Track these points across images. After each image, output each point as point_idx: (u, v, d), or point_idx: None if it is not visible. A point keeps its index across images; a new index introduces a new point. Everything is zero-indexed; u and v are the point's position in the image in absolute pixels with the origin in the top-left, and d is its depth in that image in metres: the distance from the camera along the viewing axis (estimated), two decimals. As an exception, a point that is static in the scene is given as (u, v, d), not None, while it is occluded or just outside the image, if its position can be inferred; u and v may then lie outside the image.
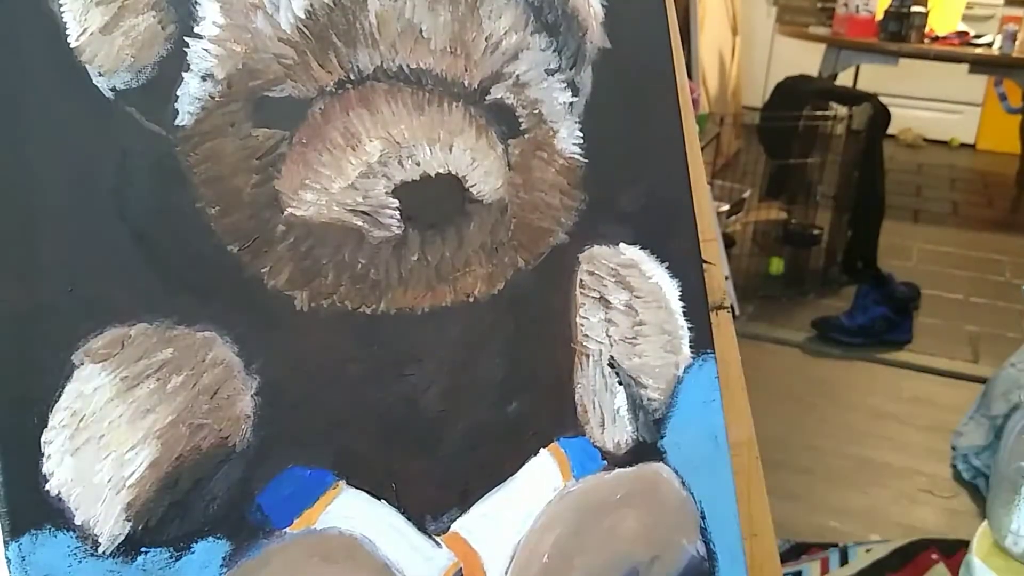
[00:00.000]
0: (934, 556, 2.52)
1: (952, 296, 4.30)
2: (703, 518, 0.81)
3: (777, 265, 4.27)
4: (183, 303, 0.63)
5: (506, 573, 0.73)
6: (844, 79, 4.87)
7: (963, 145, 6.37)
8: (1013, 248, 4.89)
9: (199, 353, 0.63)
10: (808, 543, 2.61)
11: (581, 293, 0.78)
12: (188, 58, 0.63)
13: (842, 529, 2.64)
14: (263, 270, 0.66)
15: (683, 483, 0.81)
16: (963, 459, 2.90)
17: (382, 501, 0.70)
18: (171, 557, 0.62)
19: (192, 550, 0.63)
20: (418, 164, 0.69)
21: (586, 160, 0.78)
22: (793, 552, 2.59)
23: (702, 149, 0.84)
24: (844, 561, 2.51)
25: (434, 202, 0.71)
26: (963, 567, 1.42)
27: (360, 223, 0.68)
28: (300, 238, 0.67)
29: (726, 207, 4.12)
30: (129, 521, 0.61)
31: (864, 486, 2.83)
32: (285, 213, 0.66)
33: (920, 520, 2.71)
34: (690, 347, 0.82)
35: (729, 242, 4.12)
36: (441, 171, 0.70)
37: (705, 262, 0.85)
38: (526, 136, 0.74)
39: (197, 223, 0.64)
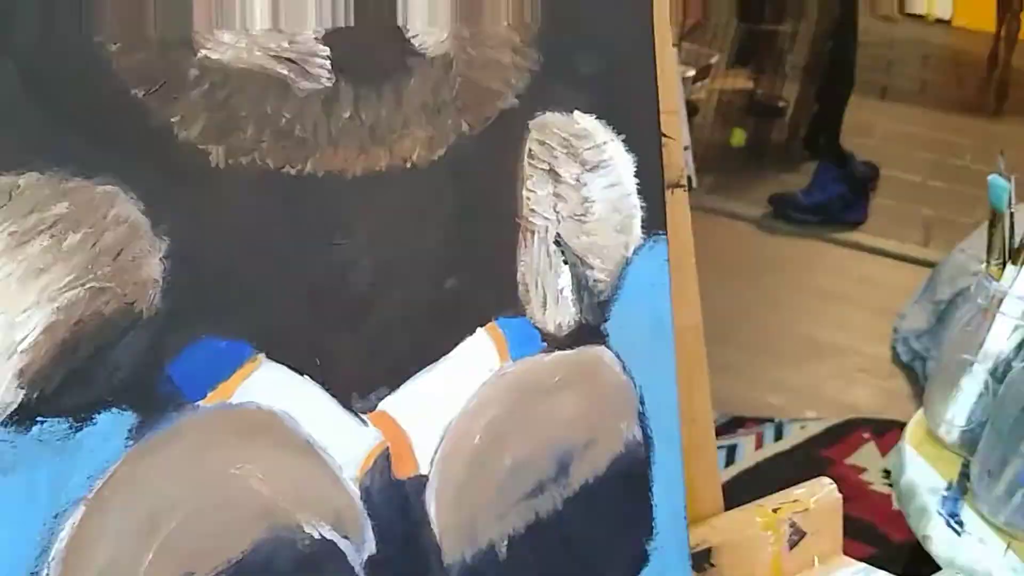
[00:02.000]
0: (865, 435, 2.56)
1: (910, 178, 4.30)
2: (642, 403, 0.78)
3: (739, 136, 4.24)
4: (80, 152, 0.57)
5: (435, 454, 0.70)
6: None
7: (939, 21, 6.28)
8: (977, 131, 4.88)
9: (99, 209, 0.57)
10: (745, 417, 2.64)
11: (529, 164, 0.72)
12: None
13: (779, 405, 2.67)
14: (173, 120, 0.59)
15: (624, 367, 0.77)
16: (903, 342, 2.92)
17: (305, 376, 0.65)
18: (71, 428, 0.57)
19: (94, 421, 0.58)
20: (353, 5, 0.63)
21: (542, 15, 0.72)
22: (729, 426, 2.62)
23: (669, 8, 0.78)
24: (779, 436, 2.55)
25: (370, 52, 0.65)
26: (894, 454, 1.42)
27: (285, 72, 0.62)
28: (216, 85, 0.60)
29: (692, 72, 4.06)
30: (22, 389, 0.56)
31: (804, 363, 2.85)
32: (199, 55, 0.60)
33: (855, 399, 2.74)
34: (642, 227, 0.77)
35: (692, 110, 4.07)
36: (378, 16, 0.64)
37: (664, 136, 0.80)
38: (476, -18, 0.68)
39: (95, 61, 0.57)
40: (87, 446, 0.58)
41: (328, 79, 0.64)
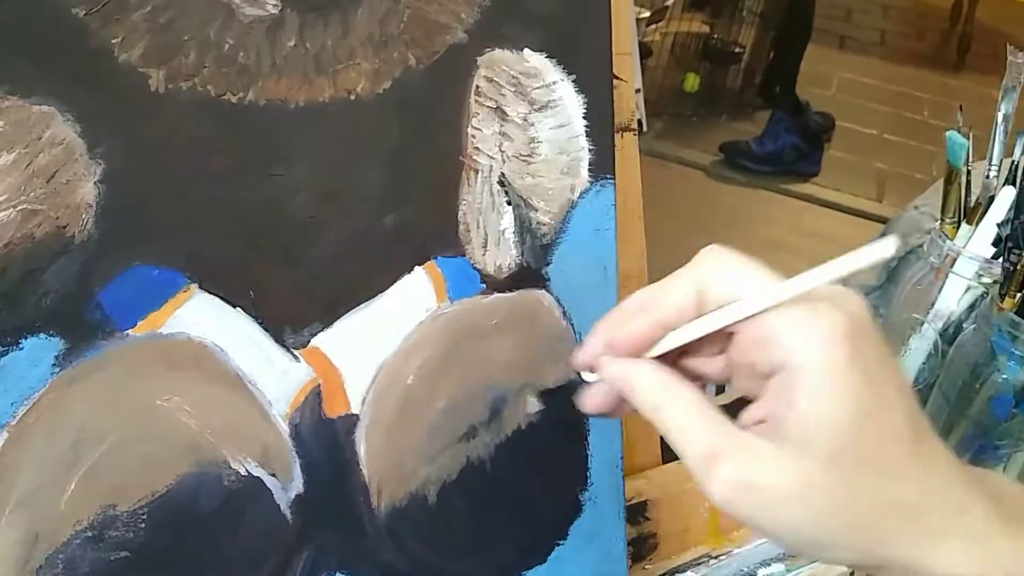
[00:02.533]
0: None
1: (866, 131, 4.30)
2: (582, 349, 0.78)
3: (692, 81, 4.22)
4: (16, 70, 0.55)
5: (367, 393, 0.69)
6: None
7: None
8: (935, 86, 4.89)
9: (34, 129, 0.56)
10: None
11: (476, 101, 0.71)
12: None
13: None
14: (114, 41, 0.58)
15: (564, 312, 0.76)
16: (853, 297, 2.94)
17: (238, 309, 0.64)
18: (-4, 352, 0.56)
19: (20, 346, 0.57)
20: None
21: (495, -49, 0.70)
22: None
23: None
24: (720, 390, 2.56)
25: (316, -20, 0.63)
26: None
27: (229, -3, 0.61)
28: (159, 7, 0.59)
29: (646, 14, 4.03)
30: (-56, 309, 0.55)
31: (752, 315, 2.86)
32: (141, -24, 0.58)
33: (803, 352, 2.76)
34: (589, 170, 0.76)
35: (645, 52, 4.05)
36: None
37: (616, 78, 0.79)
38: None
39: (34, -23, 0.55)
40: (12, 371, 0.57)
41: (274, 6, 0.62)
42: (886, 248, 0.47)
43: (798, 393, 0.46)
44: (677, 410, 0.49)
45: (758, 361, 0.49)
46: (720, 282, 0.49)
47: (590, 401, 0.54)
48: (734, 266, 0.50)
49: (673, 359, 0.53)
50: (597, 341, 0.52)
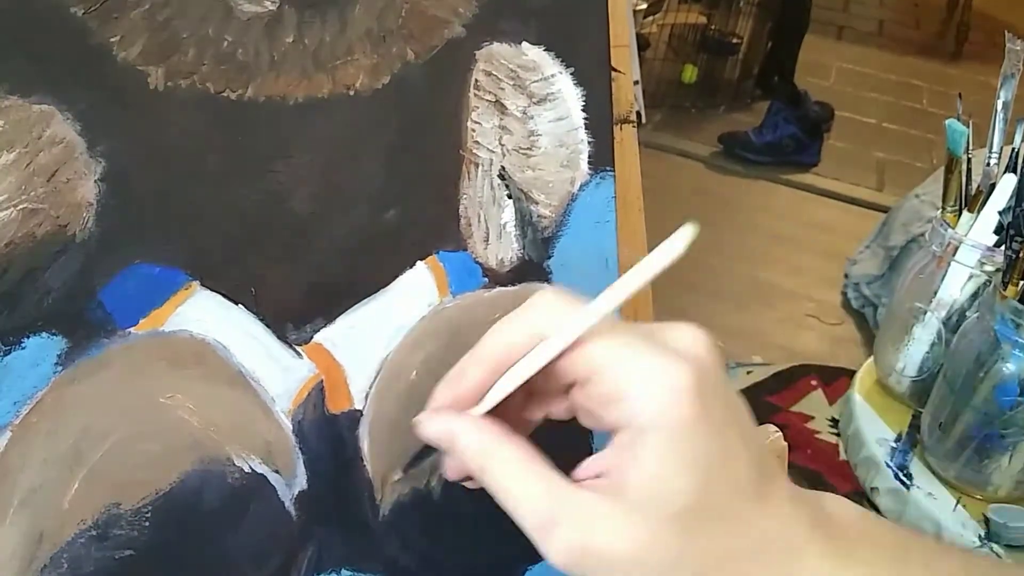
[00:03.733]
0: (813, 382, 2.57)
1: (865, 120, 4.30)
2: (585, 343, 0.77)
3: (690, 73, 4.22)
4: (16, 69, 0.55)
5: (370, 388, 0.69)
6: None
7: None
8: (933, 74, 4.89)
9: (35, 128, 0.56)
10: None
11: (475, 95, 0.71)
12: None
13: (725, 348, 2.67)
14: (112, 39, 0.58)
15: (568, 306, 0.76)
16: (854, 287, 2.93)
17: (239, 306, 0.64)
18: (-3, 351, 0.56)
19: (23, 345, 0.57)
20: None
21: (492, -56, 0.70)
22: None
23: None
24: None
25: (314, -23, 0.63)
26: (843, 403, 1.42)
27: (227, -6, 0.60)
28: (157, 5, 0.59)
29: (643, 6, 4.03)
30: (-53, 309, 0.55)
31: (752, 307, 2.86)
32: (139, -26, 0.58)
33: (803, 345, 2.76)
34: (588, 163, 0.76)
35: (643, 44, 4.05)
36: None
37: (614, 70, 0.79)
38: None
39: (32, -23, 0.55)
40: (15, 371, 0.57)
41: (272, 2, 0.62)
42: (678, 242, 0.46)
43: (643, 452, 0.45)
44: (506, 470, 0.48)
45: (604, 416, 0.48)
46: (552, 323, 0.48)
47: (449, 468, 0.53)
48: (564, 306, 0.49)
49: (519, 406, 0.52)
50: (441, 398, 0.52)
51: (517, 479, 0.48)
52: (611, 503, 0.46)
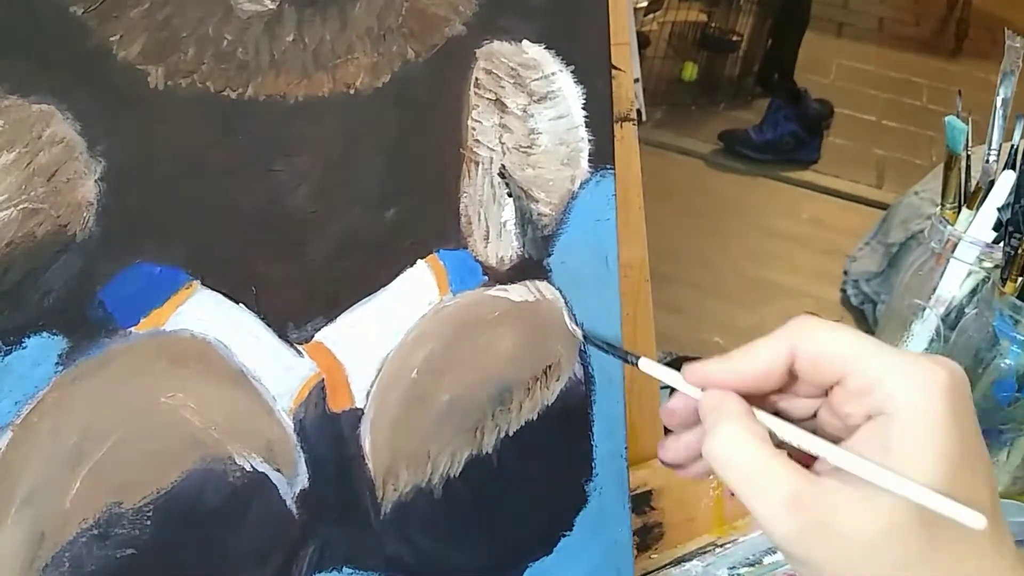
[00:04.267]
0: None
1: (865, 117, 4.30)
2: (584, 340, 0.78)
3: (691, 70, 4.22)
4: (15, 69, 0.55)
5: (372, 387, 0.69)
6: None
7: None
8: (933, 71, 4.89)
9: (34, 128, 0.56)
10: (690, 357, 2.64)
11: (475, 93, 0.71)
12: None
13: (725, 345, 2.67)
14: (112, 39, 0.58)
15: (567, 303, 0.76)
16: (853, 284, 2.94)
17: (240, 305, 0.64)
18: (-1, 352, 0.56)
19: (24, 345, 0.57)
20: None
21: (492, -63, 0.70)
22: (673, 365, 2.61)
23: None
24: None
25: (314, -25, 0.63)
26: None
27: (227, -8, 0.60)
28: (156, 4, 0.58)
29: (644, 3, 4.03)
30: (-52, 310, 0.55)
31: (751, 304, 2.86)
32: (139, -27, 0.58)
33: (805, 341, 2.75)
34: (589, 161, 0.76)
35: (643, 42, 4.05)
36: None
37: (615, 68, 0.79)
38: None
39: (31, -24, 0.55)
40: (16, 370, 0.57)
41: (272, 1, 0.62)
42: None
43: (893, 437, 0.46)
44: (755, 448, 0.49)
45: (855, 410, 0.49)
46: (811, 341, 0.51)
47: (670, 450, 0.58)
48: (825, 326, 0.51)
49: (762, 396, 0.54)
50: (719, 373, 0.54)
51: (770, 462, 0.48)
52: (854, 487, 0.47)
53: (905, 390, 0.47)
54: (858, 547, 0.46)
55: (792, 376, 0.53)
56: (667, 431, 0.59)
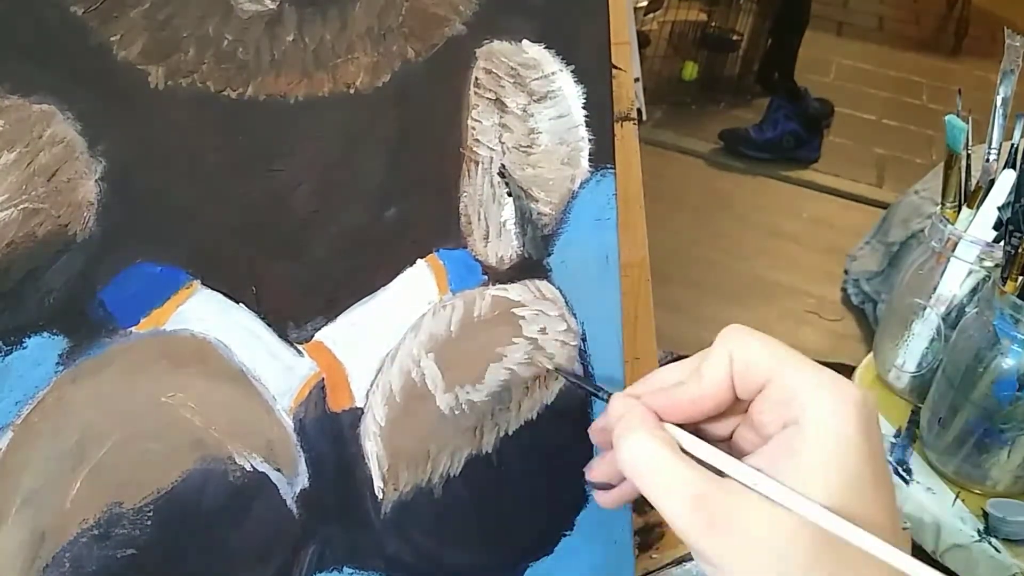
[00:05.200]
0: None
1: (865, 116, 4.30)
2: (584, 340, 0.78)
3: (691, 70, 4.22)
4: (16, 69, 0.55)
5: (372, 386, 0.69)
6: None
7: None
8: (934, 70, 4.89)
9: (35, 128, 0.56)
10: (690, 356, 2.64)
11: (475, 93, 0.71)
12: None
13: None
14: (112, 38, 0.58)
15: (567, 303, 0.76)
16: (854, 283, 2.93)
17: (240, 305, 0.64)
18: (-1, 352, 0.56)
19: (24, 345, 0.57)
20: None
21: (492, -62, 0.70)
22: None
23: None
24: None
25: (314, -25, 0.63)
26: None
27: (228, -8, 0.60)
28: (157, 4, 0.58)
29: (644, 3, 4.03)
30: (-51, 311, 0.55)
31: (752, 304, 2.86)
32: (139, -27, 0.58)
33: (803, 341, 2.76)
34: (589, 160, 0.76)
35: (643, 41, 4.05)
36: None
37: (615, 67, 0.79)
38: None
39: (31, -24, 0.55)
40: (16, 370, 0.57)
41: (272, 1, 0.62)
42: None
43: (803, 447, 0.47)
44: (666, 457, 0.51)
45: (772, 418, 0.51)
46: (744, 348, 0.53)
47: (596, 470, 0.60)
48: (757, 335, 0.53)
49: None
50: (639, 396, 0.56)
51: (670, 459, 0.50)
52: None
53: (820, 403, 0.48)
54: (763, 549, 0.47)
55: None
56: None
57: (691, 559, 0.93)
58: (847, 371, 1.47)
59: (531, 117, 0.73)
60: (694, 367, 0.56)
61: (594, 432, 0.62)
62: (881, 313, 2.71)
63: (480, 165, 0.72)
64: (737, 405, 0.55)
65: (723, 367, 0.53)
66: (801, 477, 0.47)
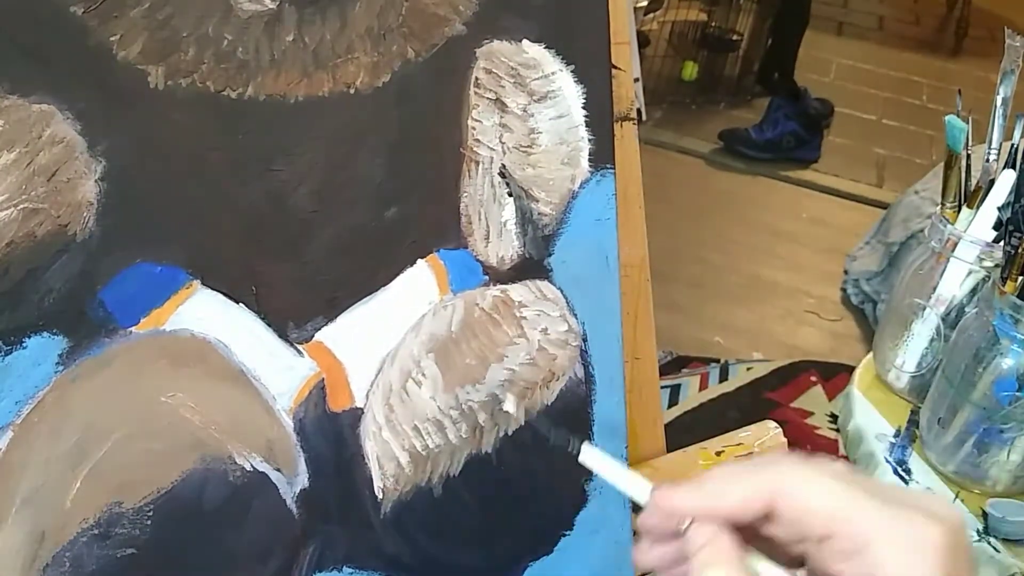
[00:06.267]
0: (812, 378, 2.56)
1: (865, 116, 4.30)
2: (584, 340, 0.78)
3: (691, 70, 4.21)
4: (15, 69, 0.55)
5: (371, 386, 0.69)
6: None
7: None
8: (933, 70, 4.88)
9: (35, 128, 0.56)
10: (690, 357, 2.63)
11: (475, 93, 0.71)
12: None
13: (725, 345, 2.67)
14: (112, 38, 0.58)
15: (567, 303, 0.76)
16: (853, 283, 2.93)
17: (240, 304, 0.64)
18: (-1, 351, 0.56)
19: (24, 345, 0.57)
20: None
21: (491, -62, 0.70)
22: (674, 365, 2.61)
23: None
24: (724, 377, 2.54)
25: (314, -25, 0.63)
26: (842, 398, 1.42)
27: (227, -8, 0.60)
28: (157, 4, 0.58)
29: (644, 3, 4.02)
30: (-51, 310, 0.55)
31: (752, 304, 2.86)
32: (139, -27, 0.58)
33: (803, 341, 2.75)
34: (589, 160, 0.76)
35: (643, 41, 4.05)
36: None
37: (615, 67, 0.79)
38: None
39: (32, -23, 0.55)
40: (16, 370, 0.57)
41: (272, 1, 0.62)
42: None
43: None
44: None
45: (846, 569, 0.46)
46: (794, 497, 0.48)
47: (645, 557, 0.54)
48: (808, 477, 0.48)
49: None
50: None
51: None
52: None
53: (896, 558, 0.44)
54: None
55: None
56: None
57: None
58: (847, 371, 1.47)
59: (531, 117, 0.73)
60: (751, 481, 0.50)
61: (643, 526, 0.55)
62: (881, 313, 2.71)
63: (480, 165, 0.72)
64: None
65: (754, 499, 0.48)
66: None
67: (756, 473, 0.49)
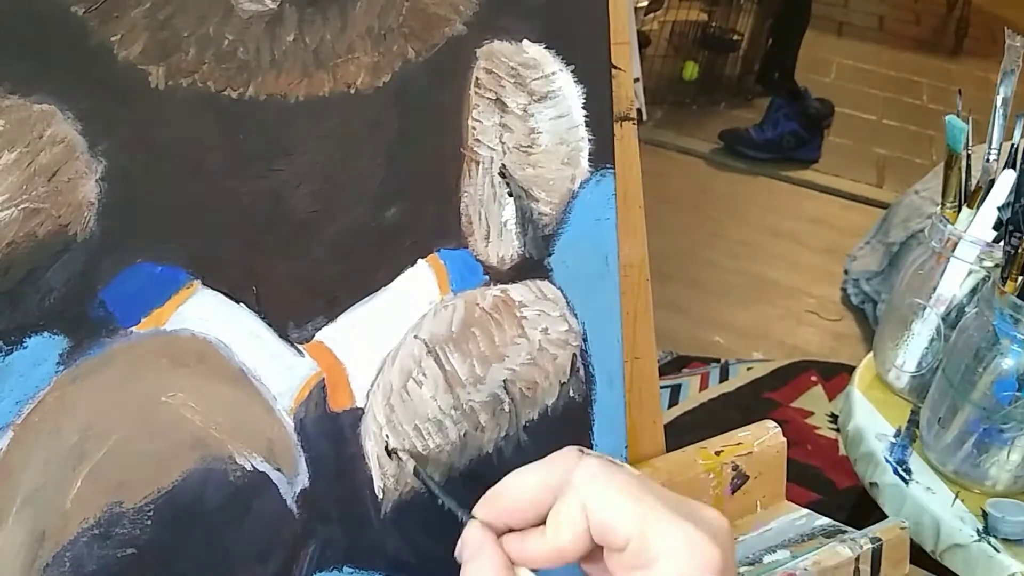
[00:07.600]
0: (813, 378, 2.56)
1: (866, 116, 4.30)
2: (585, 340, 0.78)
3: (691, 70, 4.22)
4: (16, 69, 0.55)
5: (372, 386, 0.69)
6: None
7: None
8: (933, 70, 4.89)
9: (35, 128, 0.56)
10: (690, 357, 2.64)
11: (476, 93, 0.71)
12: None
13: (725, 345, 2.67)
14: (113, 38, 0.58)
15: (567, 303, 0.76)
16: (854, 283, 2.94)
17: (241, 304, 0.64)
18: (0, 352, 0.57)
19: (25, 345, 0.57)
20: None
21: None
22: (674, 365, 2.61)
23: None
24: (724, 377, 2.54)
25: (315, -26, 0.63)
26: (842, 398, 1.42)
27: (228, -9, 0.60)
28: (157, 4, 0.58)
29: (644, 3, 4.03)
30: (-50, 310, 0.55)
31: (752, 303, 2.86)
32: (140, -28, 0.58)
33: (804, 341, 2.76)
34: (589, 160, 0.76)
35: (644, 41, 4.06)
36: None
37: (615, 67, 0.79)
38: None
39: (32, -24, 0.55)
40: (16, 370, 0.57)
41: (273, 1, 0.62)
42: None
43: None
44: None
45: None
46: (604, 516, 0.50)
47: None
48: (615, 493, 0.50)
49: None
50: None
51: None
52: None
53: (678, 571, 0.47)
54: None
55: None
56: None
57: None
58: (847, 371, 1.47)
59: (531, 117, 0.73)
60: (547, 493, 0.54)
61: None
62: (881, 313, 2.71)
63: (481, 165, 0.72)
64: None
65: (578, 523, 0.50)
66: None
67: (547, 472, 0.54)
